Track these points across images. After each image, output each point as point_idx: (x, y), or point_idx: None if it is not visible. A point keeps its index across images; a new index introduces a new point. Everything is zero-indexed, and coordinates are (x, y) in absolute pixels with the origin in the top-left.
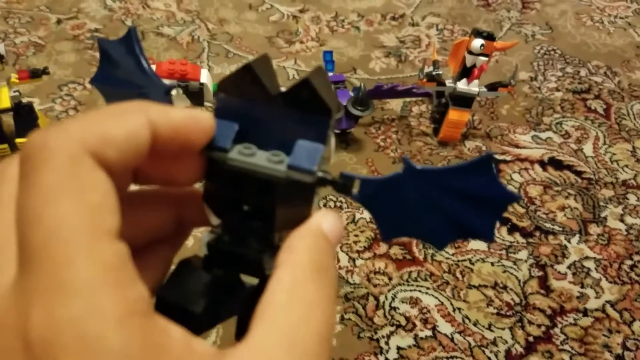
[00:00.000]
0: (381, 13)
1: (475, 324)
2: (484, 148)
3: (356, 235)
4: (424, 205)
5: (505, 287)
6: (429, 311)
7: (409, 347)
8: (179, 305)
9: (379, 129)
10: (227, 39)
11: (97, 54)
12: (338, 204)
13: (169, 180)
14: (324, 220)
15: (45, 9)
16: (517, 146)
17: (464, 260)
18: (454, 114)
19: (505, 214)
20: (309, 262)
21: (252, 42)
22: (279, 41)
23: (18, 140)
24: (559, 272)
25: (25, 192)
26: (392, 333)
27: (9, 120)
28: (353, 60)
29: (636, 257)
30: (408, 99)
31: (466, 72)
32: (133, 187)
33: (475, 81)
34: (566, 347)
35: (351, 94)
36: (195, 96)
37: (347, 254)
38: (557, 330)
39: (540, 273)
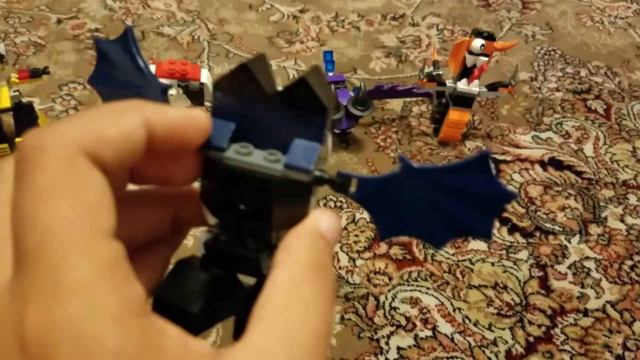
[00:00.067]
0: (381, 13)
1: (475, 324)
2: (484, 148)
3: (356, 235)
4: (422, 204)
5: (505, 287)
6: (429, 311)
7: (409, 347)
8: (177, 305)
9: (379, 129)
10: (227, 39)
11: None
12: (338, 203)
13: (166, 179)
14: (321, 219)
15: (45, 8)
16: (517, 146)
17: (464, 260)
18: (454, 114)
19: (506, 214)
20: (307, 262)
21: (252, 42)
22: (279, 41)
23: (18, 140)
24: (559, 272)
25: (21, 191)
26: (392, 333)
27: (9, 120)
28: (353, 60)
29: (636, 258)
30: (408, 99)
31: (466, 72)
32: (131, 187)
33: (476, 81)
34: (566, 347)
35: (351, 94)
36: (196, 96)
37: (347, 254)
38: (557, 330)
39: (541, 273)
